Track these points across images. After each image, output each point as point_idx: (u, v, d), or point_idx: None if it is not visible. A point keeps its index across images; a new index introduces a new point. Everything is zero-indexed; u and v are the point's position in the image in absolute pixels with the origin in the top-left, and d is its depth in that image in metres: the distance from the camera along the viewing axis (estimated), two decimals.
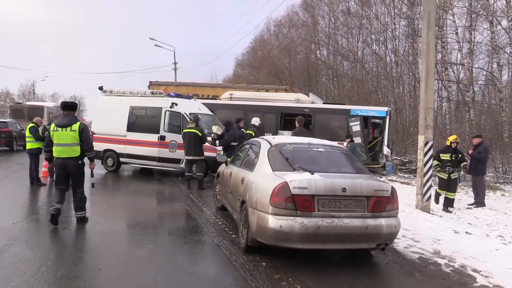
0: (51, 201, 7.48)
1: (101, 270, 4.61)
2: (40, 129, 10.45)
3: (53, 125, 6.57)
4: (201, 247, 5.76)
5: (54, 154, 6.48)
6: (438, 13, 21.83)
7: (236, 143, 10.22)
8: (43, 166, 11.14)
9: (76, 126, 6.38)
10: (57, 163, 6.54)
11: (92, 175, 7.20)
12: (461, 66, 25.37)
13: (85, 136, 6.50)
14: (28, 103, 35.28)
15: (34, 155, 10.34)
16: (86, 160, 6.67)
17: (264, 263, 4.94)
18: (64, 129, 6.36)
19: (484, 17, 23.50)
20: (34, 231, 6.26)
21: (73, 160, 6.42)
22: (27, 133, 10.44)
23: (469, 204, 10.54)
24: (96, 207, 7.88)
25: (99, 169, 13.44)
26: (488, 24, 23.31)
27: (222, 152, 10.74)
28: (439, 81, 24.65)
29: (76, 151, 6.42)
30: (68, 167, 6.46)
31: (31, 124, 10.59)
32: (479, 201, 10.40)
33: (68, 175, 6.53)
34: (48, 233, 6.17)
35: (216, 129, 11.20)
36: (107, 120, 13.24)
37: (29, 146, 10.44)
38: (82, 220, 6.65)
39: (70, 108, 6.65)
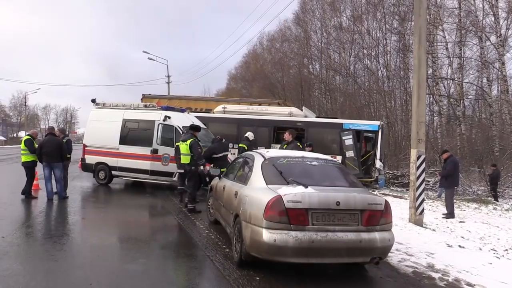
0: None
1: (92, 285, 4.52)
2: (35, 142, 10.29)
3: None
4: (194, 261, 5.69)
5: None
6: (429, 29, 22.20)
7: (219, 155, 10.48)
8: (35, 179, 10.99)
9: (188, 142, 9.27)
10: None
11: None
12: (451, 80, 25.76)
13: (193, 149, 9.23)
14: None
15: (29, 167, 10.17)
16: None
17: (258, 278, 4.88)
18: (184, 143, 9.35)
19: (473, 33, 23.98)
20: (24, 244, 6.15)
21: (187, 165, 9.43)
22: (22, 146, 10.21)
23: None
24: (88, 221, 7.79)
25: (91, 182, 13.40)
26: (477, 39, 23.78)
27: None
28: (430, 96, 24.96)
29: (187, 159, 9.34)
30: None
31: (26, 137, 10.42)
32: (449, 212, 10.88)
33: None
34: (38, 246, 6.08)
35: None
36: (99, 132, 13.16)
37: (24, 158, 10.21)
38: (190, 211, 8.98)
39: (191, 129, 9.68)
